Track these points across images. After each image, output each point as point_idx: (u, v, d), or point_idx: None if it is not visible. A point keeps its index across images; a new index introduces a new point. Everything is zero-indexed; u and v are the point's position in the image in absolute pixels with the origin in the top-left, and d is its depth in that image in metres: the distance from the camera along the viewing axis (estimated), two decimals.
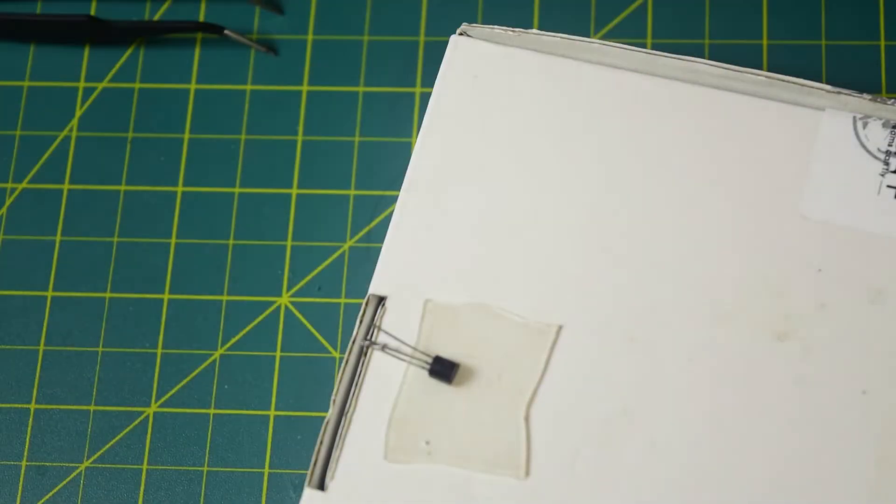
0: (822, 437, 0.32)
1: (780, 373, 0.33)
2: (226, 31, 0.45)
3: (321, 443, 0.33)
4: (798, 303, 0.34)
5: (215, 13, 0.46)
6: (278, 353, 0.42)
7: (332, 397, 0.34)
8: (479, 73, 0.37)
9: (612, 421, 0.33)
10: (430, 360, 0.33)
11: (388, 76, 0.45)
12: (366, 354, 0.34)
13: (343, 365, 0.34)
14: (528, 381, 0.33)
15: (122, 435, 0.41)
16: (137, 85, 0.45)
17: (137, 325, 0.42)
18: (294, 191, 0.43)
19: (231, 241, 0.43)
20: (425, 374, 0.33)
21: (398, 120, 0.44)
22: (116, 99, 0.45)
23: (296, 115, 0.44)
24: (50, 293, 0.43)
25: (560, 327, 0.34)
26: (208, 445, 0.41)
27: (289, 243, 0.43)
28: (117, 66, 0.46)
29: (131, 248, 0.43)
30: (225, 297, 0.42)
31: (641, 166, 0.35)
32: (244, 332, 0.42)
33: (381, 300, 0.35)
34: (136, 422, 0.41)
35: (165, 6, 0.46)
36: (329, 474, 0.33)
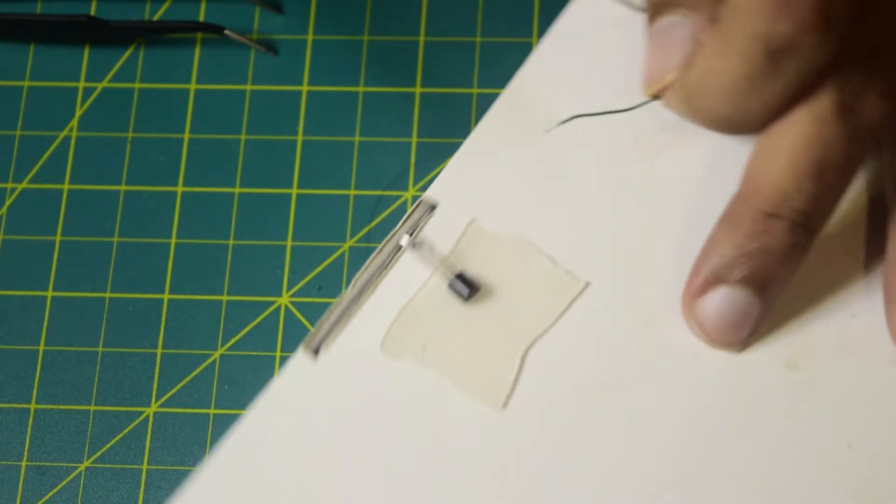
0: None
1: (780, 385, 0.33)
2: (226, 31, 0.45)
3: (331, 313, 0.34)
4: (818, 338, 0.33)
5: (215, 13, 0.46)
6: (278, 353, 0.42)
7: (355, 279, 0.34)
8: (600, 29, 0.36)
9: (599, 391, 0.33)
10: (454, 274, 0.34)
11: (388, 76, 0.45)
12: (399, 251, 0.34)
13: (375, 253, 0.34)
14: (538, 323, 0.33)
15: (122, 435, 0.41)
16: (137, 85, 0.45)
17: (137, 325, 0.42)
18: (294, 191, 0.43)
19: (231, 241, 0.43)
20: (446, 285, 0.34)
21: (398, 120, 0.44)
22: (116, 99, 0.45)
23: (296, 115, 0.45)
24: (50, 293, 0.43)
25: (587, 284, 0.34)
26: (208, 445, 0.41)
27: (289, 243, 0.43)
28: (117, 66, 0.46)
29: (131, 248, 0.43)
30: (225, 297, 0.42)
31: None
32: (244, 332, 0.42)
33: (432, 207, 0.34)
34: (136, 422, 0.41)
35: (165, 6, 0.46)
36: (325, 345, 0.33)
